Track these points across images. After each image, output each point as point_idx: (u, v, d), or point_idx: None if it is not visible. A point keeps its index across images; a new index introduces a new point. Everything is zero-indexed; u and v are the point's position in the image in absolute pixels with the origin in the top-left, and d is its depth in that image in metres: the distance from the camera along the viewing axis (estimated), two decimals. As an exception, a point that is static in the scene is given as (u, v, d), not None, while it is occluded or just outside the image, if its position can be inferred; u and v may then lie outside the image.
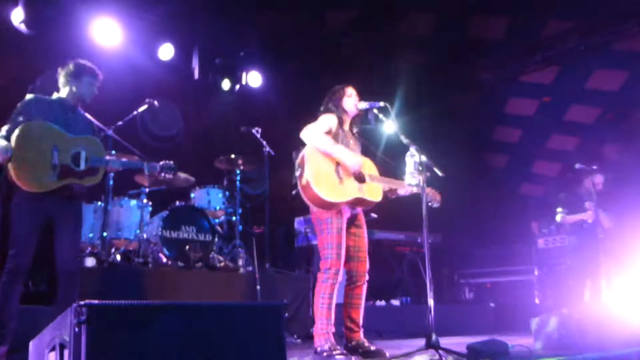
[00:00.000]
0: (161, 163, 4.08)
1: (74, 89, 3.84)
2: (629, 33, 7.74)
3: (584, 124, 9.11)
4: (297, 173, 3.71)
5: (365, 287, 3.91)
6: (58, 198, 3.65)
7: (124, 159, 3.99)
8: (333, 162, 3.74)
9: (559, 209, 6.37)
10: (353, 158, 3.71)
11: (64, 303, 3.39)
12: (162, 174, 4.06)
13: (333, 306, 3.71)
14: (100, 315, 2.00)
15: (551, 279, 7.68)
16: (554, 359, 3.45)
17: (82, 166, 3.68)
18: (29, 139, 3.56)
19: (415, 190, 3.87)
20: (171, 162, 4.10)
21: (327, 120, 3.85)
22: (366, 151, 4.14)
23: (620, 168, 8.04)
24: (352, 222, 3.91)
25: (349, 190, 3.70)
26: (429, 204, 3.95)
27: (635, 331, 4.17)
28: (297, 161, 3.73)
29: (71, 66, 3.85)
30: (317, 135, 3.72)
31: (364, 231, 3.97)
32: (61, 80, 3.86)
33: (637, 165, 7.77)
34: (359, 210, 3.94)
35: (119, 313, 2.08)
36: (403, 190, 3.96)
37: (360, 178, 3.79)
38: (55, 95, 3.86)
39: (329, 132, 3.82)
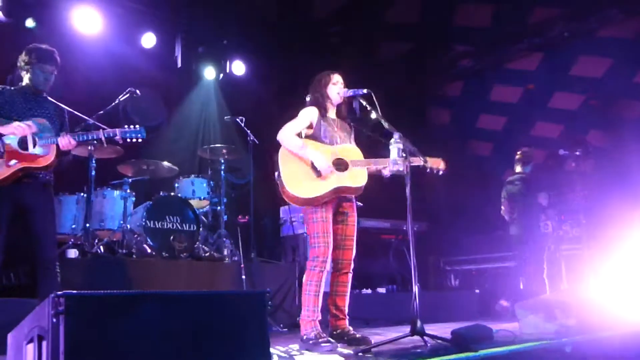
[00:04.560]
0: (123, 128, 3.87)
1: (28, 79, 3.80)
2: (613, 20, 7.75)
3: (568, 111, 9.15)
4: (276, 175, 3.77)
5: (350, 275, 3.92)
6: (23, 187, 3.62)
7: (80, 133, 3.82)
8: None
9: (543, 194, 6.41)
10: (321, 161, 3.71)
11: (43, 294, 3.35)
12: (127, 140, 3.86)
13: (320, 294, 3.72)
14: (79, 306, 1.97)
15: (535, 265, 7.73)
16: (538, 343, 3.48)
17: (31, 148, 3.62)
18: None
19: (400, 168, 3.77)
20: (136, 126, 3.88)
21: (306, 115, 3.88)
22: (359, 135, 4.13)
23: (603, 155, 8.11)
24: (341, 211, 3.91)
25: (327, 182, 3.71)
26: (435, 172, 3.93)
27: (617, 316, 4.21)
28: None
29: (24, 55, 3.79)
30: (287, 137, 3.78)
31: (353, 219, 3.96)
32: (19, 69, 3.83)
33: (621, 151, 7.83)
34: (349, 197, 3.93)
35: (98, 303, 2.05)
36: (391, 169, 3.92)
37: (341, 166, 3.79)
38: (21, 84, 3.84)
39: (309, 127, 3.87)
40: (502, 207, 6.83)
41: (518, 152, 6.84)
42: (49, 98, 3.91)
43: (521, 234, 6.63)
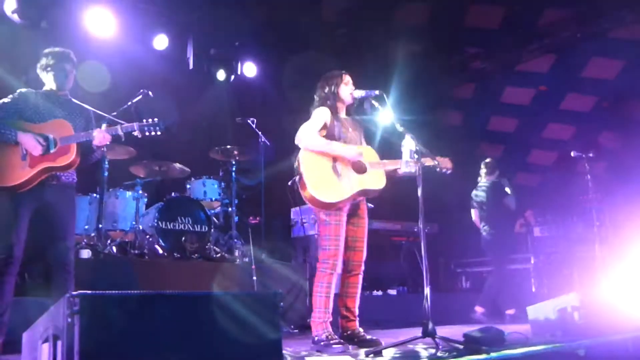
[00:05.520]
0: (142, 122, 3.85)
1: (51, 82, 3.82)
2: (625, 22, 7.71)
3: (580, 113, 9.10)
4: (297, 179, 3.74)
5: (361, 276, 3.91)
6: (47, 189, 3.64)
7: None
8: (329, 160, 3.73)
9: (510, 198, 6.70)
10: (350, 150, 3.72)
11: (58, 294, 3.36)
12: (146, 133, 3.83)
13: (331, 295, 3.72)
14: (93, 306, 1.99)
15: (547, 266, 7.70)
16: (550, 345, 3.46)
17: (52, 149, 3.63)
18: None
19: (412, 170, 3.78)
20: (155, 119, 3.87)
21: (320, 116, 3.84)
22: (368, 136, 4.13)
23: (616, 156, 8.06)
24: (354, 213, 3.90)
25: (349, 186, 3.70)
26: (443, 171, 3.93)
27: (630, 318, 4.18)
28: (295, 166, 3.75)
29: (42, 60, 3.82)
30: (309, 137, 3.72)
31: (365, 221, 3.97)
32: (39, 74, 3.85)
33: (633, 153, 7.78)
34: (361, 199, 3.93)
35: (112, 303, 2.06)
36: (403, 170, 3.92)
37: (360, 168, 3.78)
38: (45, 88, 3.85)
39: (324, 127, 3.83)
40: (473, 216, 7.00)
41: (483, 163, 7.07)
42: (73, 100, 3.93)
43: (494, 239, 6.73)
